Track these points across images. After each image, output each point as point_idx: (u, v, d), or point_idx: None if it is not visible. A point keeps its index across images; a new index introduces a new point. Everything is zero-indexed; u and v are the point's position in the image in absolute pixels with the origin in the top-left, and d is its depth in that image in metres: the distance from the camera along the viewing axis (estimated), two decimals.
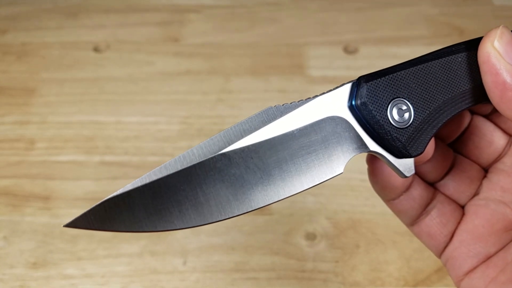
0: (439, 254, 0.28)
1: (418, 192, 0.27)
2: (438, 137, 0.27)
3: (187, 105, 0.57)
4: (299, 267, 0.45)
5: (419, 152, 0.23)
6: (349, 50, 0.62)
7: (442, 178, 0.28)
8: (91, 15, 0.67)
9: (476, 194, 0.28)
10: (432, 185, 0.28)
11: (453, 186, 0.28)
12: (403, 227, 0.47)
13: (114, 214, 0.21)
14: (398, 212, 0.28)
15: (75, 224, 0.21)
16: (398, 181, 0.26)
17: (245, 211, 0.22)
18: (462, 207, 0.28)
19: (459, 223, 0.28)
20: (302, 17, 0.66)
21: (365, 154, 0.24)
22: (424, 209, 0.28)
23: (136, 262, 0.45)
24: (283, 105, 0.23)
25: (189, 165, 0.21)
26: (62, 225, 0.21)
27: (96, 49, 0.63)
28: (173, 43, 0.63)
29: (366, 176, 0.51)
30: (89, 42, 0.63)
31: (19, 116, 0.56)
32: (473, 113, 0.27)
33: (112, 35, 0.64)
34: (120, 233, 0.47)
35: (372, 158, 0.26)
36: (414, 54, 0.70)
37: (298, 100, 0.23)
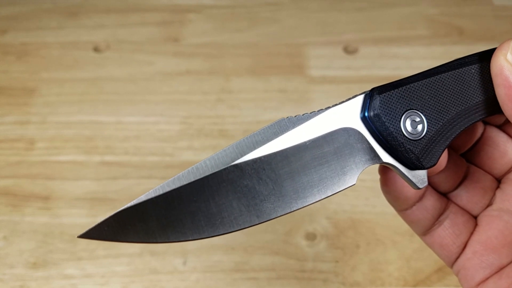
0: (451, 265, 0.28)
1: (431, 202, 0.27)
2: (451, 148, 0.27)
3: (187, 105, 0.57)
4: (299, 267, 0.45)
5: (433, 163, 0.23)
6: (349, 50, 0.62)
7: (455, 188, 0.28)
8: (91, 15, 0.67)
9: (489, 204, 0.28)
10: (445, 195, 0.28)
11: (466, 196, 0.28)
12: (403, 227, 0.47)
13: (128, 225, 0.21)
14: (410, 222, 0.28)
15: (89, 235, 0.21)
16: (410, 191, 0.26)
17: (257, 223, 0.22)
18: (475, 217, 0.28)
19: (472, 233, 0.27)
20: (302, 17, 0.66)
21: None
22: (437, 219, 0.27)
23: (136, 262, 0.45)
24: (295, 116, 0.23)
25: (202, 176, 0.21)
26: (77, 236, 0.21)
27: (96, 49, 0.63)
28: (173, 43, 0.63)
29: (366, 177, 0.51)
30: (89, 42, 0.63)
31: (19, 116, 0.56)
32: (486, 123, 0.27)
33: (112, 35, 0.64)
34: None
35: (385, 169, 0.25)
36: (414, 54, 0.70)
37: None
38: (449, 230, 0.27)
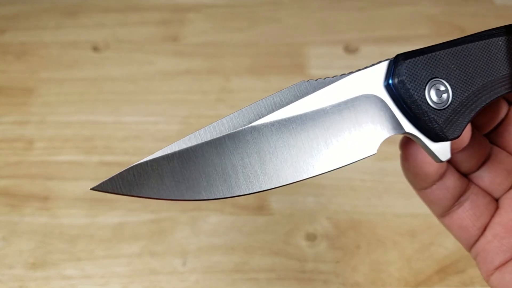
0: (469, 247, 0.28)
1: (452, 182, 0.26)
2: (474, 127, 0.27)
3: (187, 105, 0.57)
4: (299, 268, 0.45)
5: (456, 135, 0.22)
6: (349, 49, 0.62)
7: (477, 169, 0.27)
8: (90, 14, 0.66)
9: None
10: (466, 176, 0.28)
11: (488, 178, 0.27)
12: (404, 228, 0.47)
13: (143, 180, 0.20)
14: (429, 202, 0.27)
15: (102, 187, 0.20)
16: (431, 168, 0.25)
17: (273, 187, 0.21)
18: (497, 200, 0.28)
19: (492, 216, 0.27)
20: (302, 17, 0.66)
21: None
22: (457, 200, 0.27)
23: (136, 263, 0.45)
24: (316, 80, 0.22)
25: (218, 135, 0.21)
26: (89, 188, 0.20)
27: (96, 49, 0.63)
28: (172, 43, 0.63)
29: (366, 176, 0.51)
30: (88, 41, 0.63)
31: (18, 116, 0.56)
32: (511, 103, 0.26)
33: (111, 35, 0.64)
34: (119, 233, 0.47)
35: (406, 143, 0.25)
36: None
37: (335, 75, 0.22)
38: (469, 212, 0.27)
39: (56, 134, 0.54)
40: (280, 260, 0.45)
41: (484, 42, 0.23)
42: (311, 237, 0.46)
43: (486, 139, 0.27)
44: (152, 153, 0.21)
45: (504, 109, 0.26)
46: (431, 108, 0.22)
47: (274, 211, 0.48)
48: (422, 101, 0.22)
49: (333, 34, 0.64)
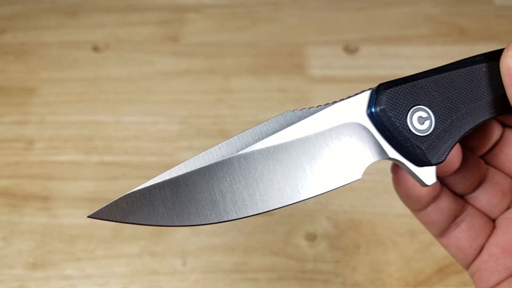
0: (467, 267, 0.28)
1: (447, 203, 0.27)
2: (469, 149, 0.27)
3: (187, 105, 0.57)
4: (299, 268, 0.45)
5: (440, 160, 0.23)
6: (349, 49, 0.62)
7: (474, 190, 0.28)
8: (90, 14, 0.66)
9: (508, 207, 0.27)
10: (462, 197, 0.28)
11: (484, 199, 0.28)
12: (403, 228, 0.47)
13: (136, 208, 0.22)
14: (425, 223, 0.28)
15: (98, 215, 0.22)
16: (422, 191, 0.26)
17: (260, 212, 0.22)
18: (493, 220, 0.28)
19: (489, 236, 0.27)
20: (302, 17, 0.66)
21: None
22: (453, 221, 0.27)
23: (136, 263, 0.45)
24: (301, 109, 0.23)
25: (207, 164, 0.22)
26: (86, 216, 0.22)
27: (96, 49, 0.63)
28: (172, 43, 0.63)
29: (366, 177, 0.51)
30: (88, 41, 0.63)
31: (18, 116, 0.56)
32: (505, 125, 0.27)
33: (111, 35, 0.64)
34: (119, 233, 0.47)
35: (396, 167, 0.25)
36: (414, 53, 0.70)
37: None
38: (466, 233, 0.27)
39: (56, 134, 0.54)
40: (280, 260, 0.45)
41: (467, 69, 0.23)
42: (311, 237, 0.46)
43: (482, 160, 0.28)
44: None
45: (497, 131, 0.26)
46: (413, 134, 0.22)
47: (274, 211, 0.48)
48: (404, 128, 0.22)
49: (333, 34, 0.64)
